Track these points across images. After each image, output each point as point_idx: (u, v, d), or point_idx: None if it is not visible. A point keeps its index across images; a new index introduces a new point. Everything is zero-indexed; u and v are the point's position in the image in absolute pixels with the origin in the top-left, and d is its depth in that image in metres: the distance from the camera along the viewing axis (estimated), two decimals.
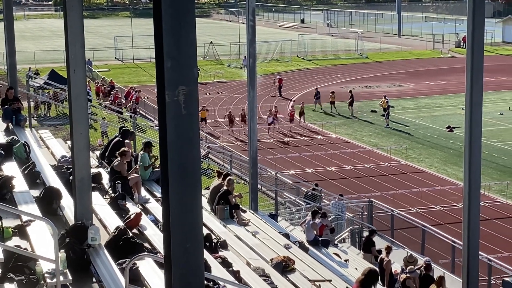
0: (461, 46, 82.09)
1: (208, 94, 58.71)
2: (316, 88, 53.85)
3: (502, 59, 79.13)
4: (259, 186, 22.42)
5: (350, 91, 51.93)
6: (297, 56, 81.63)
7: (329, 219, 21.97)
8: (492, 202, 31.15)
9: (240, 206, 18.35)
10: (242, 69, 67.75)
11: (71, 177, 11.76)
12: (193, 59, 5.29)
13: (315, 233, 19.85)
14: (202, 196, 17.54)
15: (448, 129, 45.72)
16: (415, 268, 17.19)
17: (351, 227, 24.83)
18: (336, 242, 22.11)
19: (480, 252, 12.64)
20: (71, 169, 11.68)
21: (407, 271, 16.90)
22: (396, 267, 18.59)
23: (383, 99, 49.81)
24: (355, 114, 50.26)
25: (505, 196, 31.64)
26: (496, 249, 25.28)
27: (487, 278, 20.80)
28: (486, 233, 26.32)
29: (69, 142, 14.26)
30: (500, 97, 56.30)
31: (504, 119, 48.77)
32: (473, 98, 11.48)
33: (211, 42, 79.30)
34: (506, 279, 19.64)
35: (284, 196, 28.60)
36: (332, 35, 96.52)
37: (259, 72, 61.19)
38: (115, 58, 79.49)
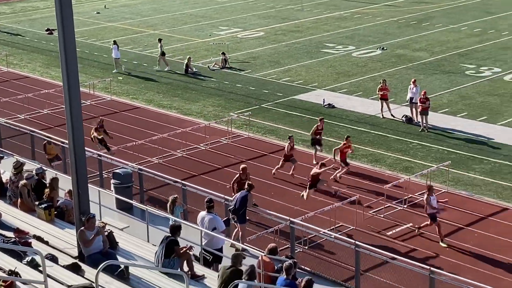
0: None
1: None
2: None
3: None
4: None
5: None
6: None
7: None
8: (98, 100, 31.91)
9: None
10: None
11: None
12: None
13: None
14: None
15: (47, 32, 45.17)
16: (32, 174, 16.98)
17: None
18: None
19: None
20: None
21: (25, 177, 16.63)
22: (6, 176, 18.14)
23: None
24: None
25: (110, 93, 32.56)
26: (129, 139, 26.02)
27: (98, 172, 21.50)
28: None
29: None
30: None
31: (101, 17, 49.67)
32: None
33: None
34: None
35: None
36: None
37: None
38: None
